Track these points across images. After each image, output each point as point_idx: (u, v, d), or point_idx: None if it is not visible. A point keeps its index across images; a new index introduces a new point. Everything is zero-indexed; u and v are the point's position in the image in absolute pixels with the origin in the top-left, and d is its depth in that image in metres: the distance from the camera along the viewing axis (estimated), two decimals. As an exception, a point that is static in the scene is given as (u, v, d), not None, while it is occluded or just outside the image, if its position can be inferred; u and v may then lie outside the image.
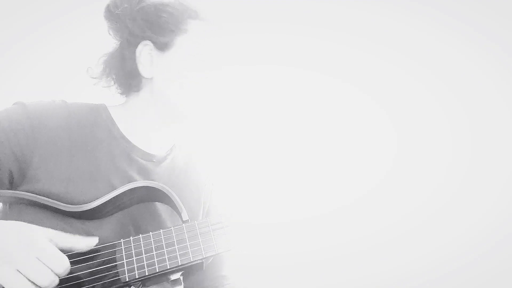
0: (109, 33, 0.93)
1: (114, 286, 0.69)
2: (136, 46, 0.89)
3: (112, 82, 0.96)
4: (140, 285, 0.72)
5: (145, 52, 0.88)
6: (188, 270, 0.78)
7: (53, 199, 0.74)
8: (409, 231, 1.56)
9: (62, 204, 0.74)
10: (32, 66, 1.64)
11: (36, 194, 0.74)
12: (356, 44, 1.72)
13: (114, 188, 0.81)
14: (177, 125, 0.95)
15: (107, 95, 0.99)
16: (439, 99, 1.71)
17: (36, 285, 0.60)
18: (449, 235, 1.58)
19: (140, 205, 0.85)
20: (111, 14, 0.90)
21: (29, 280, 0.59)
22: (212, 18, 0.92)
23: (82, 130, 0.83)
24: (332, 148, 1.45)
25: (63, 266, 0.63)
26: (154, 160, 0.93)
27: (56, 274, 0.62)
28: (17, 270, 0.59)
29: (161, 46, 0.88)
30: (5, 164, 0.73)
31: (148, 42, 0.88)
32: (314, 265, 1.41)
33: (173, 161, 0.99)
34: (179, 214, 0.80)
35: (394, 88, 1.70)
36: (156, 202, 0.87)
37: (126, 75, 0.92)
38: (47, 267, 0.61)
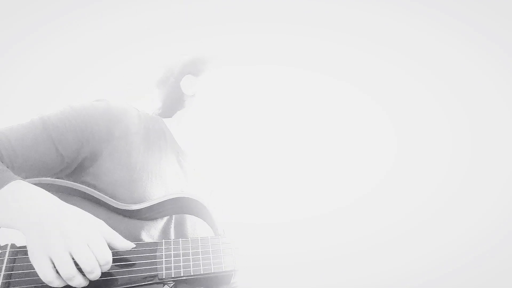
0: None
1: (150, 282, 0.73)
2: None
3: (166, 112, 1.12)
4: (173, 285, 0.76)
5: (186, 79, 1.05)
6: (216, 282, 0.83)
7: (111, 190, 0.82)
8: (409, 231, 1.56)
9: (113, 200, 0.80)
10: (32, 66, 1.64)
11: (95, 185, 0.81)
12: (356, 44, 1.72)
13: (167, 189, 0.90)
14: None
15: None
16: (439, 99, 1.71)
17: (78, 271, 0.63)
18: (449, 235, 1.58)
19: (176, 215, 0.93)
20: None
21: (74, 261, 0.63)
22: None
23: (148, 133, 0.95)
24: (332, 148, 1.45)
25: (107, 259, 0.66)
26: (195, 169, 1.04)
27: (100, 264, 0.65)
28: (67, 249, 0.62)
29: (197, 73, 1.04)
30: (84, 149, 0.83)
31: (189, 75, 1.04)
32: (314, 265, 1.41)
33: (203, 171, 1.11)
34: (215, 228, 0.86)
35: (394, 88, 1.70)
36: (186, 215, 0.95)
37: (174, 100, 1.08)
38: (94, 255, 0.64)
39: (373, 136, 1.59)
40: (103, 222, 0.71)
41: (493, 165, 1.63)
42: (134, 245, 0.74)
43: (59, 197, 0.74)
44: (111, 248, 0.70)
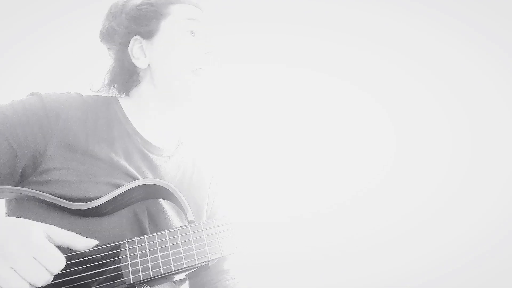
0: (109, 55, 0.98)
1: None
2: (128, 45, 0.93)
3: (116, 92, 0.99)
4: (144, 285, 0.71)
5: (136, 46, 0.92)
6: (193, 271, 0.77)
7: (61, 195, 0.73)
8: (409, 231, 1.55)
9: (66, 202, 0.73)
10: (32, 66, 1.64)
11: (44, 189, 0.73)
12: (356, 44, 1.72)
13: (123, 182, 0.80)
14: (182, 112, 0.95)
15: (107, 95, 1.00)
16: (439, 99, 1.71)
17: (30, 284, 0.59)
18: (449, 235, 1.58)
19: (145, 202, 0.84)
20: (103, 34, 0.96)
21: (23, 279, 0.59)
22: (196, 2, 0.95)
23: (97, 123, 0.84)
24: (332, 148, 1.45)
25: (59, 265, 0.62)
26: (164, 155, 0.93)
27: (51, 273, 0.61)
28: (11, 268, 0.58)
29: (148, 35, 0.91)
30: (21, 157, 0.74)
31: (136, 36, 0.92)
32: (314, 265, 1.41)
33: (181, 158, 0.99)
34: (185, 214, 0.79)
35: (394, 88, 1.70)
36: (161, 200, 0.87)
37: (126, 75, 0.95)
38: (42, 265, 0.60)
39: (373, 136, 1.59)
40: (52, 226, 0.65)
41: (493, 165, 1.63)
42: (97, 242, 0.68)
43: (8, 204, 0.69)
44: (71, 250, 0.66)
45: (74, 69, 1.55)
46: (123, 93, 0.98)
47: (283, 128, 1.63)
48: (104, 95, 0.98)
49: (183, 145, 1.02)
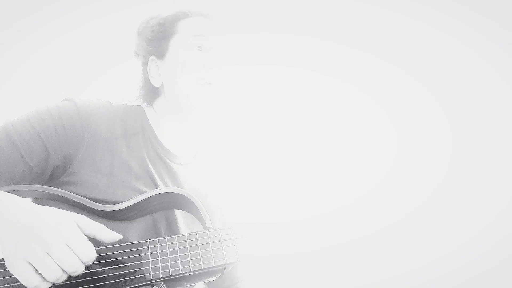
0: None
1: (138, 284, 0.71)
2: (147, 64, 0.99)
3: (147, 100, 1.05)
4: (162, 285, 0.74)
5: (152, 66, 0.98)
6: (207, 275, 0.80)
7: (88, 196, 0.77)
8: (409, 231, 1.56)
9: (93, 203, 0.77)
10: (32, 66, 1.64)
11: (73, 190, 0.77)
12: (356, 44, 1.72)
13: (149, 187, 0.85)
14: (195, 123, 0.99)
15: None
16: (439, 99, 1.71)
17: (63, 270, 0.61)
18: (449, 235, 1.58)
19: (164, 212, 0.88)
20: (135, 52, 1.03)
21: (58, 264, 0.61)
22: (204, 11, 0.97)
23: (124, 130, 0.89)
24: (332, 148, 1.45)
25: (90, 255, 0.64)
26: (182, 163, 0.98)
27: (83, 262, 0.63)
28: (46, 252, 0.60)
29: (161, 55, 0.96)
30: (53, 158, 0.78)
31: (152, 57, 0.98)
32: (314, 265, 1.41)
33: (198, 166, 1.04)
34: (203, 221, 0.82)
35: (394, 88, 1.70)
36: (176, 210, 0.90)
37: (150, 89, 1.02)
38: (75, 254, 0.62)
39: (373, 136, 1.59)
40: (83, 216, 0.68)
41: (493, 165, 1.63)
42: (121, 236, 0.71)
43: (36, 203, 0.70)
44: (98, 241, 0.69)
45: (74, 69, 1.55)
46: (147, 103, 1.04)
47: (284, 130, 1.63)
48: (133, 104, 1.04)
49: (200, 154, 1.07)
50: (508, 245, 1.58)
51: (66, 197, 0.76)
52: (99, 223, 0.70)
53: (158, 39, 0.95)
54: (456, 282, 1.54)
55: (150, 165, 0.89)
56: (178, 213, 0.91)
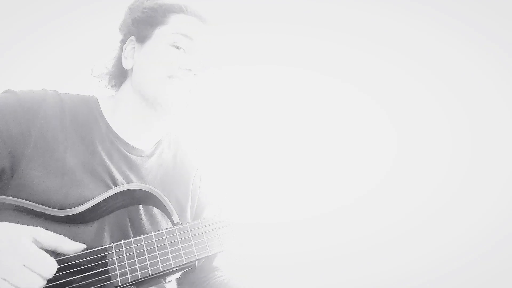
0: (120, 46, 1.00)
1: None
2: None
3: (113, 81, 1.00)
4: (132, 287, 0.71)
5: (129, 46, 0.94)
6: (183, 272, 0.78)
7: (42, 200, 0.71)
8: (409, 231, 1.55)
9: (49, 208, 0.71)
10: (32, 66, 1.63)
11: (23, 194, 0.70)
12: (356, 44, 1.72)
13: (107, 184, 0.79)
14: (159, 115, 0.93)
15: (107, 95, 1.00)
16: (439, 99, 1.71)
17: None
18: (449, 235, 1.58)
19: (127, 208, 0.83)
20: (120, 25, 0.99)
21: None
22: (201, 13, 0.92)
23: (75, 122, 0.81)
24: (332, 148, 1.45)
25: (51, 270, 0.61)
26: (143, 155, 0.92)
27: (44, 278, 0.61)
28: (3, 279, 0.57)
29: (141, 39, 0.91)
30: None
31: (132, 37, 0.93)
32: (314, 265, 1.41)
33: (161, 156, 0.98)
34: (169, 217, 0.79)
35: (394, 88, 1.70)
36: (140, 205, 0.85)
37: (120, 71, 0.96)
38: (35, 272, 0.59)
39: (373, 136, 1.59)
40: (40, 229, 0.64)
41: (493, 165, 1.63)
42: (85, 246, 0.68)
43: None
44: (59, 254, 0.65)
45: (74, 69, 1.55)
46: (115, 85, 0.99)
47: (283, 129, 1.63)
48: (101, 81, 0.99)
49: (164, 143, 1.01)
50: (508, 245, 1.58)
51: (18, 205, 0.70)
52: (59, 235, 0.66)
53: (144, 23, 0.90)
54: (456, 282, 1.54)
55: (107, 160, 0.82)
56: (142, 208, 0.86)
